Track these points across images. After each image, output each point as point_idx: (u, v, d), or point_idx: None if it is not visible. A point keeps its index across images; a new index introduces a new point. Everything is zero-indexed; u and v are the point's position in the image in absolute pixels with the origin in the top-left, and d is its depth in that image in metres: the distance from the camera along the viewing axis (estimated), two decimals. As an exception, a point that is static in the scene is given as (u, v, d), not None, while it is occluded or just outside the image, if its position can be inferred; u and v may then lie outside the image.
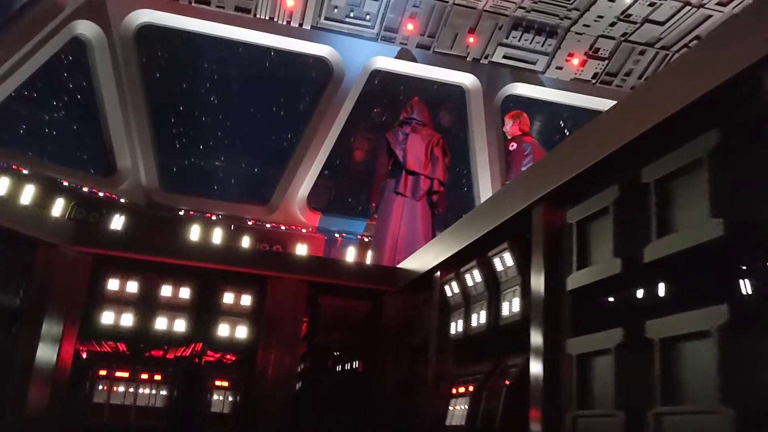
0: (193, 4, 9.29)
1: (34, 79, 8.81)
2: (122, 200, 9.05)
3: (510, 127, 8.53)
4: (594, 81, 10.37)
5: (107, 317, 5.69)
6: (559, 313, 3.52)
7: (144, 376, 5.60)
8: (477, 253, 4.61)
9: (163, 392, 5.60)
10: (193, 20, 9.53)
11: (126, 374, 5.57)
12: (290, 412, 5.80)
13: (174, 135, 10.19)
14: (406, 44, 9.86)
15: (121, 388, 5.53)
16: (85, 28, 8.92)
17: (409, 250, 7.90)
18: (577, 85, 10.42)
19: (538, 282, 3.70)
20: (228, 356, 6.07)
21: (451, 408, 4.74)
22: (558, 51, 9.95)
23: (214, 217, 9.51)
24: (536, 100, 10.28)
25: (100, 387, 5.50)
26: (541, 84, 10.31)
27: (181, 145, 10.21)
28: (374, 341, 6.26)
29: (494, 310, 4.39)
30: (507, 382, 3.96)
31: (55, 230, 5.63)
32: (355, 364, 6.55)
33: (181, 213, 9.41)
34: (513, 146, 8.42)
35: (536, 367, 3.56)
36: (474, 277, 4.65)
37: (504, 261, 4.20)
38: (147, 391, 5.57)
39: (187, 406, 5.69)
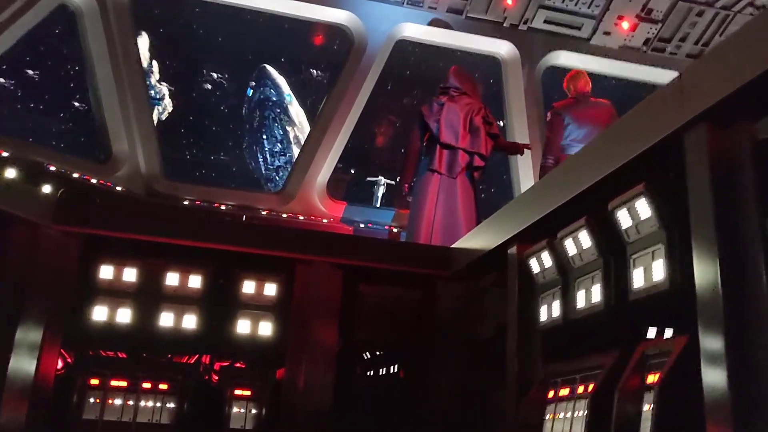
0: (196, -33, 8.27)
1: (17, 54, 7.74)
2: (118, 188, 7.95)
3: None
4: (645, 48, 9.29)
5: (100, 313, 4.85)
6: (754, 269, 2.41)
7: (146, 386, 4.80)
8: (582, 211, 3.50)
9: (171, 405, 4.78)
10: (196, -15, 8.52)
11: (124, 383, 4.77)
12: (326, 426, 4.80)
13: (176, 117, 9.10)
14: (435, 8, 8.81)
15: (118, 401, 4.72)
16: (74, -6, 7.88)
17: (446, 235, 6.86)
18: (626, 52, 9.34)
19: (705, 231, 2.60)
20: (249, 359, 5.16)
21: (548, 417, 3.65)
22: (606, 13, 8.89)
23: (223, 207, 8.44)
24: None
25: (92, 400, 4.68)
26: (587, 52, 9.24)
27: (185, 128, 9.13)
28: (426, 337, 5.17)
29: (616, 281, 3.30)
30: (655, 379, 2.82)
31: (35, 205, 4.61)
32: (403, 366, 5.43)
33: (186, 203, 8.34)
34: (549, 117, 7.32)
35: (715, 354, 2.44)
36: (579, 243, 3.55)
37: (635, 212, 3.08)
38: (150, 403, 4.75)
39: (201, 421, 4.83)
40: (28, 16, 7.62)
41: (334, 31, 9.30)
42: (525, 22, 8.98)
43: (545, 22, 8.98)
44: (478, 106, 7.52)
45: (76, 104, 8.95)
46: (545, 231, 3.91)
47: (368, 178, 9.12)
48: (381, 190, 8.65)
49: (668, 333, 2.96)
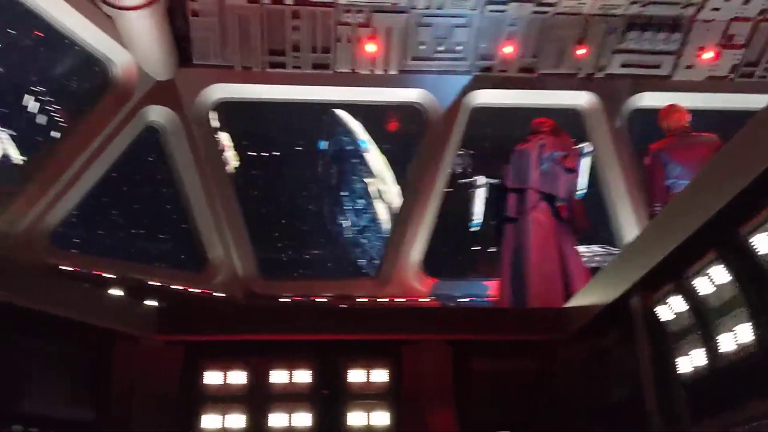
0: (267, 70, 8.47)
1: (111, 176, 8.07)
2: (218, 295, 7.99)
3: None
4: (733, 75, 8.80)
5: (210, 421, 4.61)
6: None
7: (264, 492, 4.50)
8: (709, 244, 3.14)
9: None
10: (270, 87, 8.72)
11: (241, 493, 4.51)
12: None
13: (266, 217, 9.15)
14: (506, 71, 8.66)
15: None
16: (158, 113, 8.22)
17: (544, 285, 6.45)
18: (713, 83, 8.87)
19: None
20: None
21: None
22: (685, 46, 8.50)
23: (321, 300, 8.33)
24: (668, 108, 8.69)
25: None
26: (671, 89, 8.81)
27: (278, 227, 9.15)
28: (550, 409, 4.75)
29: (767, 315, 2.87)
30: None
31: (134, 318, 4.59)
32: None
33: (285, 300, 8.28)
34: (647, 161, 6.81)
35: None
36: (713, 279, 3.15)
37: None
38: None
39: None
40: (118, 142, 7.97)
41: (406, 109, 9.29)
42: (601, 69, 8.68)
43: (622, 66, 8.64)
44: (550, 140, 7.15)
45: (174, 223, 9.18)
46: (670, 273, 3.54)
47: (461, 180, 8.09)
48: (482, 194, 7.62)
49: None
